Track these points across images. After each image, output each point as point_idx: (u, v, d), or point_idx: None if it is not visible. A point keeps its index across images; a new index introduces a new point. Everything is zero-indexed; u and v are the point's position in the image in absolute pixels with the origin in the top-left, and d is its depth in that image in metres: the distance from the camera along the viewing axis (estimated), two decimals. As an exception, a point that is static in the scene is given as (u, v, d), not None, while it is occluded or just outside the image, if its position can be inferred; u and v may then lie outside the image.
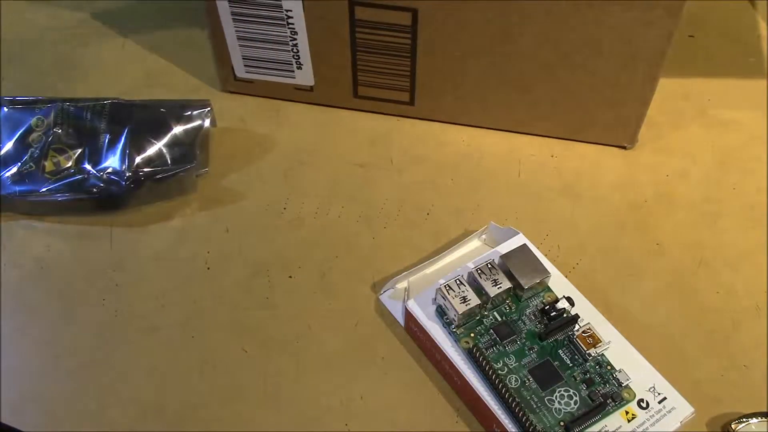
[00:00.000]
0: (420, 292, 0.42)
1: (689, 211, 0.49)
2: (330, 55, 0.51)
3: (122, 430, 0.40)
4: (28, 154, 0.47)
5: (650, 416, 0.38)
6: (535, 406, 0.38)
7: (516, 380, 0.38)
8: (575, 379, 0.39)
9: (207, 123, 0.50)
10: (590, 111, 0.50)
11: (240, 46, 0.51)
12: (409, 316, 0.42)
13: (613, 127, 0.51)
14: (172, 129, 0.49)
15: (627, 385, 0.38)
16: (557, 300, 0.41)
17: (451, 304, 0.40)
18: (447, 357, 0.40)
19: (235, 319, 0.44)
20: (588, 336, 0.40)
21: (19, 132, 0.48)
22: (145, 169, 0.47)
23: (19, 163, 0.47)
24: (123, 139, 0.48)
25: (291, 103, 0.55)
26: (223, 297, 0.45)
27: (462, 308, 0.39)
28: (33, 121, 0.48)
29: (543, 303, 0.41)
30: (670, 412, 0.38)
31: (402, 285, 0.44)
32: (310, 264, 0.46)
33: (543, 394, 0.38)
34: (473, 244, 0.46)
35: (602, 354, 0.39)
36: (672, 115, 0.54)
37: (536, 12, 0.45)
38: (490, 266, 0.41)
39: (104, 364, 0.42)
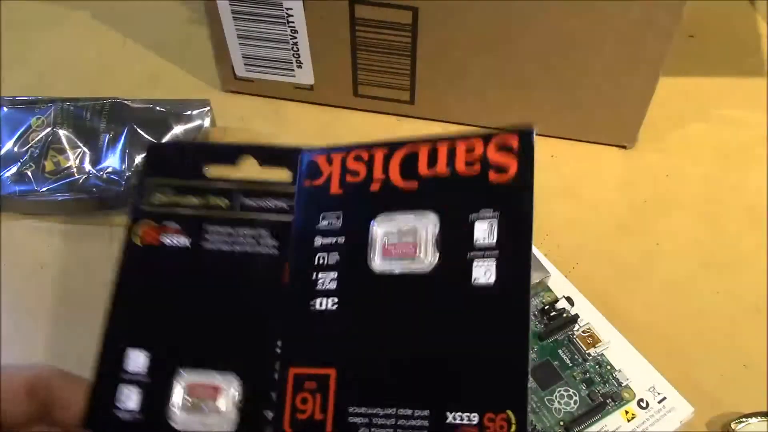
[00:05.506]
0: (420, 292, 0.42)
1: (689, 211, 0.49)
2: (330, 53, 0.50)
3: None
4: (28, 154, 0.47)
5: (650, 416, 0.38)
6: (535, 406, 0.38)
7: (516, 380, 0.38)
8: (575, 379, 0.39)
9: (207, 123, 0.50)
10: (590, 111, 0.50)
11: (240, 44, 0.51)
12: (409, 316, 0.42)
13: (613, 127, 0.51)
14: (172, 129, 0.49)
15: (627, 384, 0.38)
16: (557, 300, 0.41)
17: (451, 304, 0.39)
18: (447, 357, 0.40)
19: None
20: (588, 336, 0.39)
21: (19, 132, 0.48)
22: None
23: (19, 163, 0.47)
24: (123, 139, 0.48)
25: (291, 102, 0.54)
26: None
27: (462, 308, 0.39)
28: (33, 121, 0.48)
29: (543, 303, 0.41)
30: (670, 411, 0.38)
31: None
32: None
33: (543, 394, 0.38)
34: (473, 244, 0.46)
35: (602, 354, 0.39)
36: (672, 115, 0.54)
37: (536, 12, 0.45)
38: (490, 266, 0.41)
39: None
